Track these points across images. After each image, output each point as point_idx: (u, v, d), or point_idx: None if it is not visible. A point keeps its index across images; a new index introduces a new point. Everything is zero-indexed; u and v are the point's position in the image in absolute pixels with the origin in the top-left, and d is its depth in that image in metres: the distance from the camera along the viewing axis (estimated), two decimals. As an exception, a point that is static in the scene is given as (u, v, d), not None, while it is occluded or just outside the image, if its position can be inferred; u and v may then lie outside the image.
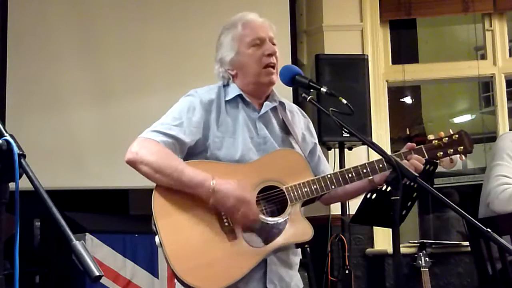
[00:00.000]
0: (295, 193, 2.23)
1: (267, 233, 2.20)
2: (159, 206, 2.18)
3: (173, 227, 2.16)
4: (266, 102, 2.38)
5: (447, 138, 2.33)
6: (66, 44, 4.77)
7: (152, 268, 4.39)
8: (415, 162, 2.26)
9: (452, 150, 2.32)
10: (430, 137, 2.35)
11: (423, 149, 2.31)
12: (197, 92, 2.35)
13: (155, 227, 2.16)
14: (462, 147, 2.32)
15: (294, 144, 2.39)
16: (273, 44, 2.36)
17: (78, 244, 1.30)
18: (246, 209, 2.15)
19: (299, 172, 2.26)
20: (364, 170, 2.27)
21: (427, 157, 2.30)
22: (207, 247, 2.16)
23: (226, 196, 2.15)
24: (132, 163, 2.20)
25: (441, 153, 2.32)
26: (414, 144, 2.33)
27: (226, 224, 2.18)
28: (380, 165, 2.26)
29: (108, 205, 5.27)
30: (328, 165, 2.58)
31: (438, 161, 2.35)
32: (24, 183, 1.41)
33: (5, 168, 1.40)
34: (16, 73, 4.68)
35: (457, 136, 2.33)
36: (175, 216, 2.18)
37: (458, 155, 2.34)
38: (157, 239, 2.16)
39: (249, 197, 2.17)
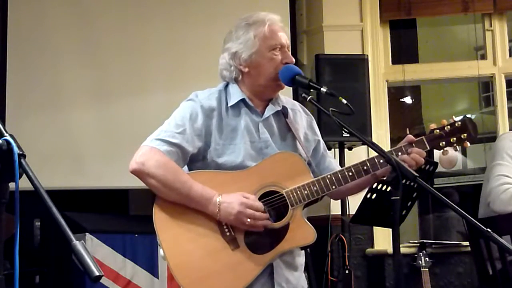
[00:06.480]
0: (296, 197, 2.22)
1: (269, 239, 2.20)
2: (160, 220, 2.18)
3: (176, 240, 2.17)
4: (270, 105, 2.37)
5: (449, 126, 2.26)
6: (66, 45, 4.77)
7: (152, 268, 4.39)
8: (416, 156, 2.22)
9: (455, 139, 2.25)
10: (432, 126, 2.29)
11: (424, 140, 2.27)
12: (198, 96, 2.32)
13: (159, 241, 2.18)
14: (465, 134, 2.24)
15: (298, 147, 2.37)
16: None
17: (78, 244, 1.30)
18: (253, 212, 2.15)
19: (299, 175, 2.25)
20: (365, 167, 2.24)
21: (428, 148, 2.25)
22: (210, 258, 2.16)
23: (230, 206, 2.15)
24: (139, 174, 2.19)
25: (444, 142, 2.26)
26: (414, 137, 2.27)
27: (228, 233, 2.18)
28: (381, 160, 2.22)
29: (108, 205, 5.27)
30: (334, 161, 2.54)
31: (441, 151, 2.29)
32: (24, 183, 1.41)
33: (5, 168, 1.40)
34: (16, 73, 4.68)
35: (460, 123, 2.26)
36: (177, 229, 2.18)
37: (463, 143, 2.25)
38: (161, 252, 2.18)
39: (254, 201, 2.17)
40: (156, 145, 2.20)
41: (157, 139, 2.22)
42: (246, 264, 2.17)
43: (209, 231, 2.18)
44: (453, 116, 2.30)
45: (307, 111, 2.54)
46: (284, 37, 2.34)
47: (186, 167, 2.31)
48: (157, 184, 2.17)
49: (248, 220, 2.14)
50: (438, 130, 2.28)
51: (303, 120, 2.47)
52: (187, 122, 2.26)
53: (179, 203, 2.19)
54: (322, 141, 2.52)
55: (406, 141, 2.28)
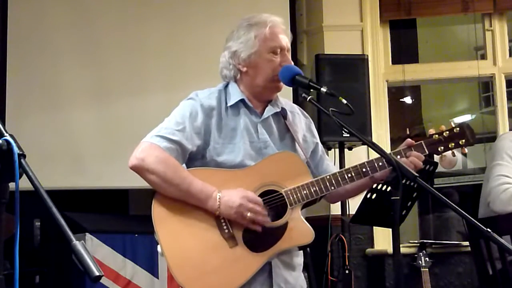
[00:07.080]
0: (294, 196, 2.22)
1: (268, 238, 2.20)
2: (159, 215, 2.18)
3: (174, 236, 2.17)
4: (269, 106, 2.37)
5: (447, 132, 2.31)
6: (66, 44, 4.77)
7: (152, 268, 4.40)
8: (415, 160, 2.25)
9: (453, 144, 2.29)
10: (431, 131, 2.33)
11: (423, 145, 2.30)
12: (198, 96, 2.33)
13: (157, 237, 2.18)
14: (463, 140, 2.29)
15: (297, 148, 2.38)
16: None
17: (78, 244, 1.30)
18: (254, 206, 2.15)
19: (298, 175, 2.26)
20: (364, 169, 2.26)
21: (427, 152, 2.29)
22: (208, 255, 2.16)
23: (231, 200, 2.15)
24: (138, 170, 2.19)
25: (442, 147, 2.30)
26: (413, 141, 2.31)
27: (226, 230, 2.19)
28: (380, 163, 2.25)
29: (108, 205, 5.27)
30: (332, 164, 2.56)
31: (439, 156, 2.33)
32: (24, 183, 1.41)
33: (5, 168, 1.40)
34: (16, 73, 4.68)
35: (458, 129, 2.31)
36: (175, 225, 2.18)
37: (460, 148, 2.31)
38: (159, 248, 2.18)
39: (254, 195, 2.18)
40: (156, 142, 2.21)
41: (157, 135, 2.23)
42: (243, 262, 2.17)
43: (208, 228, 2.18)
44: (452, 121, 2.34)
45: (306, 114, 2.55)
46: (285, 40, 2.35)
47: (184, 166, 2.31)
48: (157, 180, 2.17)
49: (249, 214, 2.14)
50: (437, 135, 2.32)
51: (302, 123, 2.48)
52: (187, 120, 2.26)
53: (179, 199, 2.19)
54: (320, 144, 2.53)
55: (405, 145, 2.31)
